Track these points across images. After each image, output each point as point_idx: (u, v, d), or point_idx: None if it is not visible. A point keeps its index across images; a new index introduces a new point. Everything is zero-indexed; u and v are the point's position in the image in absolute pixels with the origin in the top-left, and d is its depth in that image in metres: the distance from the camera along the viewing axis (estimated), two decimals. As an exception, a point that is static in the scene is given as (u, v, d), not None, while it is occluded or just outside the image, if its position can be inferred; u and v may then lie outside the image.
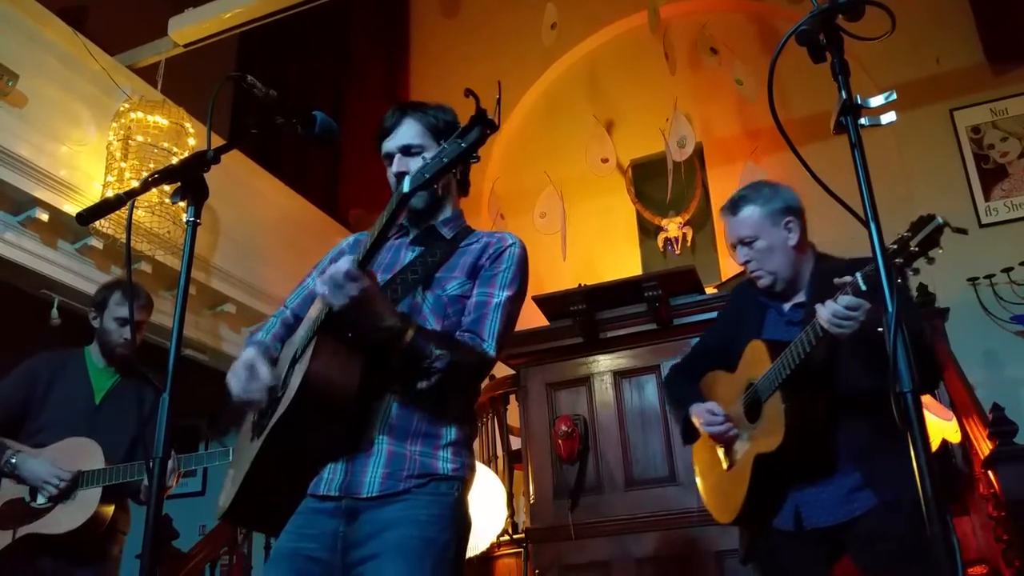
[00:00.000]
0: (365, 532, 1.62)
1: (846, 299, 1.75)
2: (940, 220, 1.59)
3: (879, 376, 1.83)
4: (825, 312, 1.77)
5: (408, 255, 1.86)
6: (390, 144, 1.87)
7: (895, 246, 1.62)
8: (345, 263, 1.52)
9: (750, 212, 2.16)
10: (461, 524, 1.70)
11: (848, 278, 1.75)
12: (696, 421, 2.17)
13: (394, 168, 1.85)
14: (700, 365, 2.35)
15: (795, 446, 1.93)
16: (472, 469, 1.77)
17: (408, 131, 1.86)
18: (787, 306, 2.17)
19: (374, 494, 1.62)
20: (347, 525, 1.63)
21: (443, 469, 1.68)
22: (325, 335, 1.59)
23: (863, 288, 1.72)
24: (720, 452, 2.20)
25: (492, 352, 1.71)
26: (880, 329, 1.71)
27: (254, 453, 1.65)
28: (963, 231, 1.54)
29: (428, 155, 1.76)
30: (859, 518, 1.93)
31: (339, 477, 1.66)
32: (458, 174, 1.91)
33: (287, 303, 1.98)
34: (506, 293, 1.77)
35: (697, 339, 2.53)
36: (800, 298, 2.14)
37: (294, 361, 1.68)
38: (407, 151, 1.85)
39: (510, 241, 1.86)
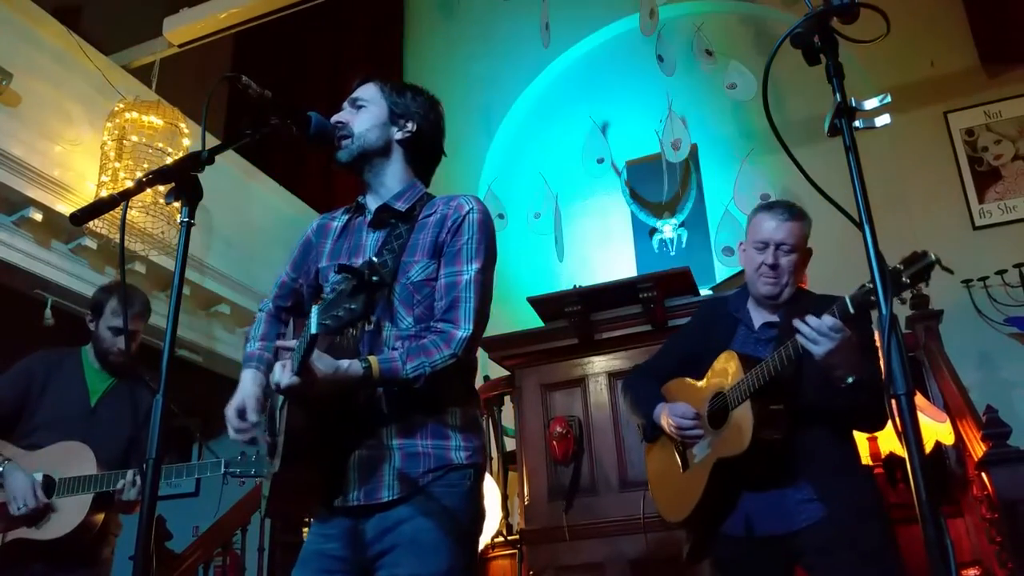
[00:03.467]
0: (381, 528, 1.65)
1: (830, 319, 1.84)
2: (932, 258, 1.68)
3: (839, 399, 1.97)
4: (804, 327, 1.87)
5: (370, 239, 1.84)
6: (346, 102, 1.90)
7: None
8: (286, 378, 1.52)
9: (802, 226, 2.23)
10: (474, 514, 1.72)
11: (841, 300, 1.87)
12: (665, 419, 2.22)
13: (334, 119, 1.86)
14: (663, 370, 2.41)
15: (758, 454, 2.00)
16: (484, 452, 1.78)
17: (363, 90, 1.89)
18: (758, 324, 2.25)
19: (395, 497, 1.65)
20: (364, 522, 1.67)
21: (457, 459, 1.70)
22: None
23: (851, 311, 1.83)
24: (675, 454, 2.24)
25: (469, 332, 1.70)
26: (845, 383, 1.87)
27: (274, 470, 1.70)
28: (949, 271, 1.63)
29: (371, 110, 1.84)
30: (808, 528, 2.01)
31: (356, 489, 1.67)
32: (404, 136, 1.87)
33: (270, 297, 1.99)
34: (474, 266, 1.74)
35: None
36: (773, 318, 2.22)
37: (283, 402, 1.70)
38: (354, 103, 1.87)
39: (467, 207, 1.80)
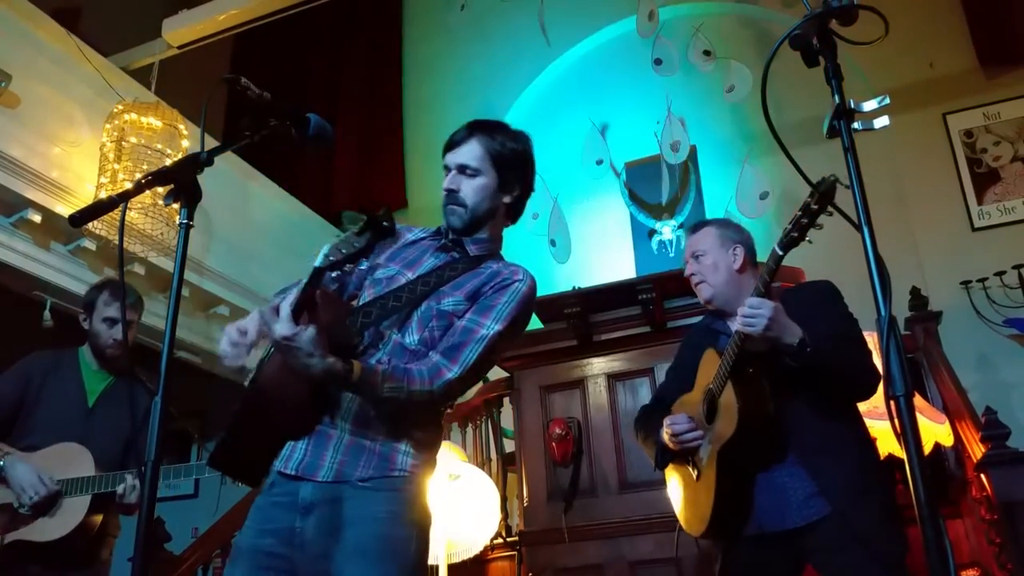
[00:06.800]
0: (322, 529, 1.63)
1: (750, 299, 1.97)
2: (834, 177, 1.75)
3: (799, 363, 1.99)
4: (738, 317, 1.99)
5: (429, 260, 1.88)
6: (450, 158, 1.90)
7: (799, 212, 1.82)
8: (283, 328, 1.51)
9: (706, 232, 2.40)
10: (421, 519, 1.71)
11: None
12: (665, 436, 2.23)
13: (445, 183, 1.88)
14: (666, 399, 2.44)
15: (751, 427, 2.02)
16: (432, 466, 1.79)
17: (470, 151, 1.88)
18: (734, 327, 2.27)
19: (328, 479, 1.65)
20: (303, 520, 1.64)
21: (401, 464, 1.69)
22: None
23: (781, 253, 1.92)
24: (689, 468, 2.25)
25: (456, 376, 1.70)
26: (795, 347, 1.93)
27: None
28: (846, 186, 1.65)
29: (483, 180, 1.85)
30: (816, 524, 2.03)
31: (299, 456, 1.69)
32: (511, 200, 1.93)
33: None
34: (497, 327, 1.76)
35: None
36: None
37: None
38: (462, 170, 1.87)
39: (520, 276, 1.84)
